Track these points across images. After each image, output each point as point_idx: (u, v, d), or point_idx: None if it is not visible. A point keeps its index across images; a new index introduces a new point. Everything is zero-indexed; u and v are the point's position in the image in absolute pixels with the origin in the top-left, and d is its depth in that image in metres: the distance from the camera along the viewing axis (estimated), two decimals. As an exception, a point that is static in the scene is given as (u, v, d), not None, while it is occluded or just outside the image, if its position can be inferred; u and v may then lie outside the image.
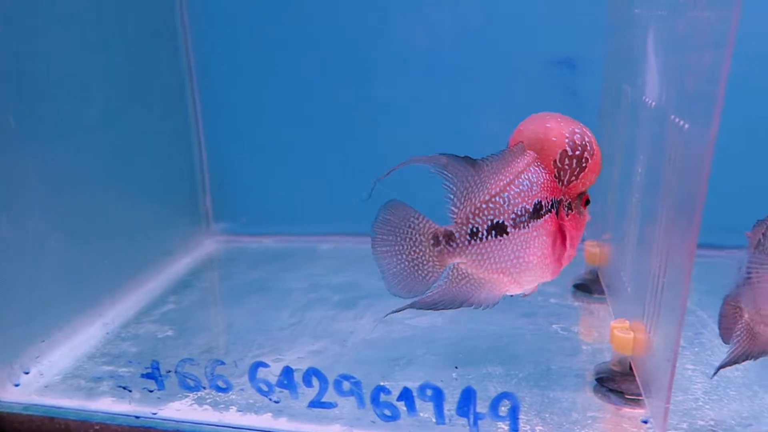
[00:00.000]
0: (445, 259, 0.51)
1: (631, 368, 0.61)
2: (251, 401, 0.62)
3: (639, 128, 0.64)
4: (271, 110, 1.05)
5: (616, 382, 0.61)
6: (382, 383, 0.62)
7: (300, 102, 1.03)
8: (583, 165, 0.51)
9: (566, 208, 0.53)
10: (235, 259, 1.02)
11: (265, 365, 0.58)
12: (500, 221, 0.50)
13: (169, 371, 0.62)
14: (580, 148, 0.51)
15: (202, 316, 0.82)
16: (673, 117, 0.51)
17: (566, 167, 0.51)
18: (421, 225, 0.50)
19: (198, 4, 1.01)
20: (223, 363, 0.61)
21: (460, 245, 0.50)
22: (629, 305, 0.64)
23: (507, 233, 0.50)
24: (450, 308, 0.53)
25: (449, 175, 0.50)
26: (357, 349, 0.72)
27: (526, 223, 0.51)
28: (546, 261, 0.53)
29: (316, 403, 0.57)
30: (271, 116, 1.05)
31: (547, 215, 0.51)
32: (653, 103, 0.59)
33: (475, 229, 0.50)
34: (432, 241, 0.51)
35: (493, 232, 0.50)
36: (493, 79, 0.96)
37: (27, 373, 0.67)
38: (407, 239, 0.51)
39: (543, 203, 0.51)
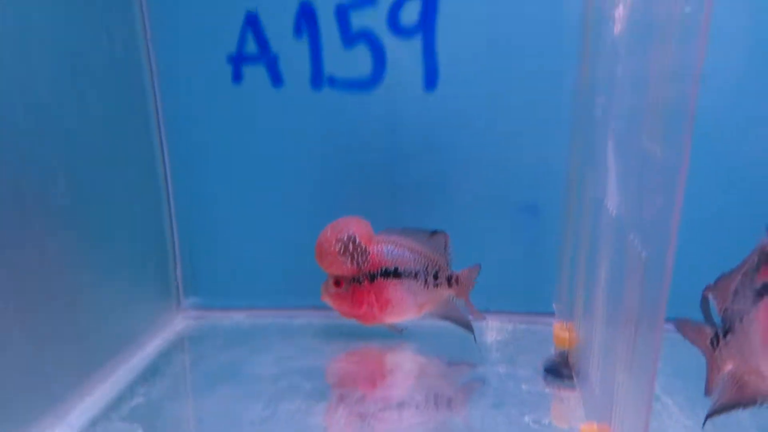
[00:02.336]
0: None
1: (600, 474, 0.62)
2: None
3: (600, 229, 0.67)
4: (244, 180, 1.05)
5: (587, 488, 0.61)
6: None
7: (275, 172, 1.04)
8: None
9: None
10: (205, 337, 1.00)
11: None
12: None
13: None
14: None
15: (173, 410, 0.80)
16: (632, 238, 0.54)
17: None
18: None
19: (168, 70, 1.00)
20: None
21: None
22: (597, 406, 0.65)
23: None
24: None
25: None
26: (330, 446, 0.71)
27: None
28: None
29: None
30: (244, 186, 1.05)
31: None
32: (614, 212, 0.62)
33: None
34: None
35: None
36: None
37: (-16, 489, 0.65)
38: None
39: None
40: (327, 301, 0.91)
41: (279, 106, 1.00)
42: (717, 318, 0.58)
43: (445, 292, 0.93)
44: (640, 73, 0.54)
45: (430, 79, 0.96)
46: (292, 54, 0.97)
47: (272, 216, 1.06)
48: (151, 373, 0.88)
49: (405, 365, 0.91)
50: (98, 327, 0.84)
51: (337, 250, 0.87)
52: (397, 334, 0.94)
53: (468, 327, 0.93)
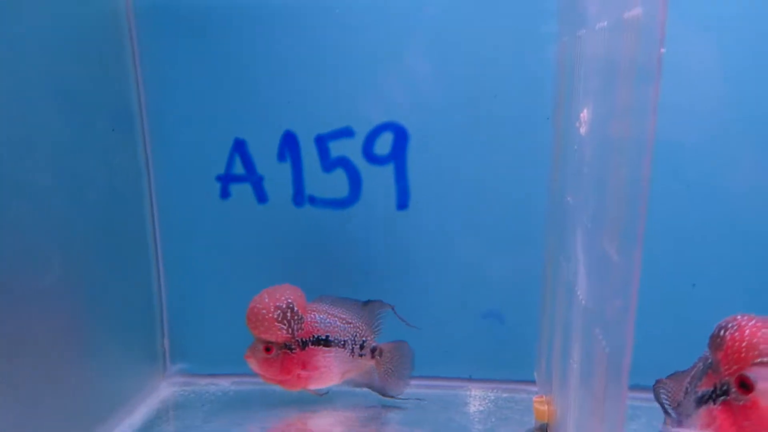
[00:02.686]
0: None
1: None
2: None
3: (572, 313, 0.70)
4: (233, 246, 1.08)
5: None
6: None
7: (256, 268, 1.08)
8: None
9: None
10: (190, 407, 1.01)
11: None
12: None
13: None
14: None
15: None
16: (597, 332, 0.57)
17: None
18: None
19: (165, 184, 1.06)
20: None
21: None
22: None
23: None
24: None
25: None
26: None
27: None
28: None
29: None
30: (233, 252, 1.08)
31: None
32: (583, 301, 0.65)
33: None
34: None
35: None
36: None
37: None
38: None
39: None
40: (252, 364, 0.91)
41: (263, 219, 1.08)
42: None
43: (368, 363, 0.97)
44: (601, 177, 0.59)
45: (402, 199, 1.05)
46: (276, 175, 1.06)
47: (261, 280, 1.09)
48: (135, 443, 0.89)
49: (388, 436, 0.92)
50: (83, 395, 0.85)
51: (275, 317, 0.88)
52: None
53: (386, 394, 0.99)
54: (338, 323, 0.94)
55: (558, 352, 0.82)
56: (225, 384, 1.08)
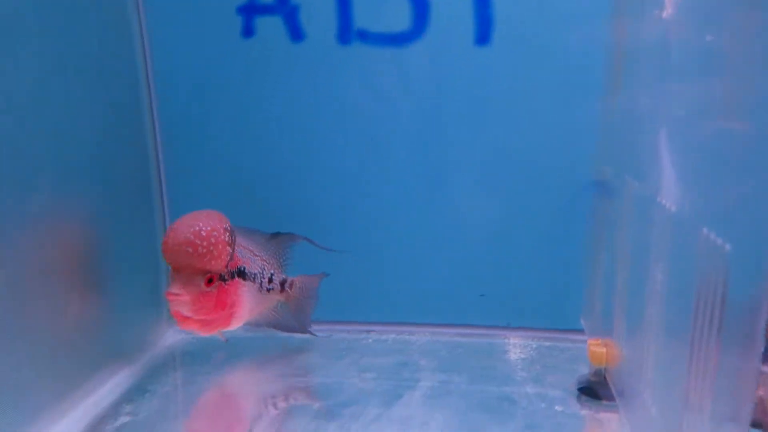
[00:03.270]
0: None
1: (662, 507, 0.53)
2: None
3: (653, 231, 0.60)
4: (241, 193, 0.97)
5: None
6: None
7: (274, 189, 0.97)
8: None
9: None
10: (199, 354, 0.91)
11: None
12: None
13: None
14: None
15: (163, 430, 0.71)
16: (706, 232, 0.47)
17: None
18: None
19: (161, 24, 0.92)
20: None
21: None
22: (654, 427, 0.57)
23: None
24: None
25: None
26: (343, 475, 0.62)
27: None
28: None
29: None
30: (241, 198, 0.98)
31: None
32: (673, 208, 0.55)
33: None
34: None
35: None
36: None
37: None
38: None
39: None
40: (182, 304, 0.73)
41: (298, 63, 0.88)
42: None
43: (275, 297, 0.86)
44: (709, 49, 0.48)
45: (483, 30, 0.84)
46: (315, 3, 0.85)
47: (268, 227, 0.99)
48: (139, 392, 0.79)
49: (423, 382, 0.82)
50: (76, 344, 0.75)
51: (226, 239, 0.74)
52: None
53: (301, 330, 0.89)
54: (249, 255, 0.82)
55: (623, 286, 0.71)
56: (238, 330, 0.98)
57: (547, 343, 0.94)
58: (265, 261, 0.85)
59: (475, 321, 0.98)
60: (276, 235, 0.86)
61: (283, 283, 0.86)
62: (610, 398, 0.74)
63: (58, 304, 0.72)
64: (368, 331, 0.98)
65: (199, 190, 0.98)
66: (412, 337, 0.97)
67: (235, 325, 0.82)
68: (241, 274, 0.79)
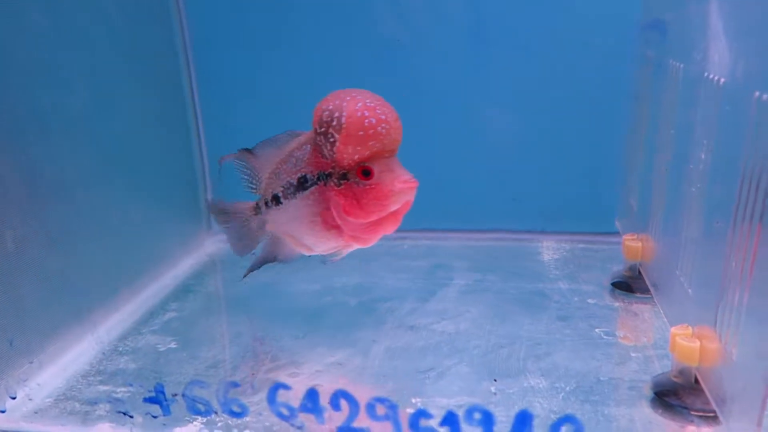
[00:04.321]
0: (262, 223, 0.67)
1: (696, 380, 0.54)
2: (270, 426, 0.55)
3: (699, 110, 0.57)
4: (274, 101, 0.97)
5: (679, 396, 0.54)
6: (413, 400, 0.56)
7: (303, 95, 0.95)
8: (331, 139, 0.56)
9: (338, 180, 0.58)
10: (239, 260, 0.94)
11: (285, 387, 0.51)
12: (276, 193, 0.64)
13: (175, 394, 0.55)
14: (325, 124, 0.56)
15: (207, 326, 0.75)
16: (759, 94, 0.44)
17: (321, 143, 0.58)
18: (242, 205, 0.69)
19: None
20: (237, 385, 0.54)
21: (262, 212, 0.67)
22: (691, 309, 0.57)
23: (281, 203, 0.64)
24: (270, 262, 0.70)
25: (241, 163, 0.66)
26: (381, 359, 0.65)
27: (293, 195, 0.62)
28: (317, 227, 0.61)
29: (345, 429, 0.50)
30: (274, 108, 0.97)
31: (313, 187, 0.60)
32: (722, 80, 0.52)
33: (265, 200, 0.65)
34: (252, 211, 0.68)
35: (273, 202, 0.64)
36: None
37: (14, 398, 0.60)
38: (238, 216, 0.70)
39: (308, 176, 0.60)
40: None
41: (311, 31, 0.90)
42: None
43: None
44: None
45: None
46: None
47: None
48: (183, 291, 0.83)
49: (457, 281, 0.83)
50: (124, 247, 0.78)
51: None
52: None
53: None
54: None
55: (662, 181, 0.70)
56: (274, 241, 1.00)
57: (581, 245, 0.94)
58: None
59: (508, 226, 0.97)
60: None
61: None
62: (645, 291, 0.74)
63: (104, 205, 0.74)
64: (402, 239, 0.99)
65: (231, 99, 0.98)
66: (445, 243, 0.97)
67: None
68: None
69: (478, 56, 0.91)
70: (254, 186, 0.67)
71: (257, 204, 0.67)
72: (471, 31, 0.91)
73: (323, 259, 0.67)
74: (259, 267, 0.71)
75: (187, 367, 0.64)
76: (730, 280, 0.48)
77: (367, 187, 0.56)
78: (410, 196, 0.58)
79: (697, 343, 0.53)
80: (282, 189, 0.62)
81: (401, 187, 0.56)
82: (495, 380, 0.60)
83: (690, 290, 0.58)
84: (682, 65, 0.64)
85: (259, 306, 0.78)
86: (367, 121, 0.54)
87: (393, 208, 0.57)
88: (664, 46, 0.73)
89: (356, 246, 0.64)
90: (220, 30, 0.95)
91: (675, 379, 0.55)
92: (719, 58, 0.53)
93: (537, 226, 0.97)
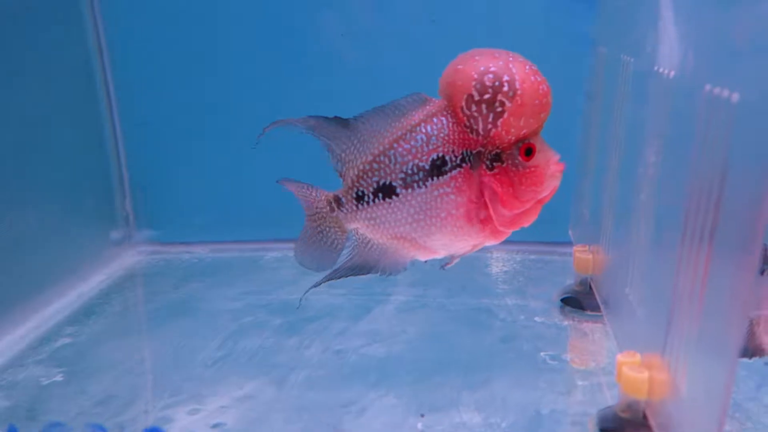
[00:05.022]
0: (342, 225, 0.50)
1: (645, 416, 0.47)
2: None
3: (649, 107, 0.51)
4: (203, 93, 0.88)
5: (627, 433, 0.47)
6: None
7: (228, 95, 0.88)
8: (499, 109, 0.44)
9: (490, 161, 0.46)
10: (159, 274, 0.85)
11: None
12: (387, 182, 0.47)
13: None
14: (491, 90, 0.43)
15: (106, 352, 0.65)
16: (709, 87, 0.38)
17: (476, 114, 0.44)
18: (313, 194, 0.50)
19: None
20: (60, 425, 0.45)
21: (349, 210, 0.48)
22: (640, 333, 0.51)
23: (396, 195, 0.47)
24: (360, 275, 0.51)
25: (323, 138, 0.48)
26: (298, 390, 0.57)
27: (422, 182, 0.46)
28: (459, 223, 0.47)
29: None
30: (203, 100, 0.88)
31: (455, 171, 0.46)
32: (671, 73, 0.46)
33: (360, 193, 0.48)
34: (327, 208, 0.49)
35: (380, 194, 0.47)
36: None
37: None
38: (307, 211, 0.51)
39: (448, 158, 0.46)
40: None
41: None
42: None
43: None
44: None
45: None
46: None
47: (238, 134, 0.90)
48: (84, 313, 0.73)
49: (396, 296, 0.76)
50: (18, 262, 0.69)
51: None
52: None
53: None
54: None
55: (613, 186, 0.63)
56: (201, 252, 0.92)
57: (533, 256, 0.88)
58: None
59: (456, 235, 0.90)
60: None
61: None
62: (596, 308, 0.68)
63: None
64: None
65: (155, 93, 0.89)
66: (387, 253, 0.90)
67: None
68: None
69: (424, 57, 0.84)
70: (340, 173, 0.49)
71: (336, 197, 0.49)
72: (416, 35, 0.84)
73: (442, 264, 0.54)
74: (340, 278, 0.52)
75: (70, 405, 0.55)
76: (679, 303, 0.41)
77: (527, 169, 0.45)
78: (559, 181, 0.46)
79: (646, 374, 0.46)
80: (402, 176, 0.46)
81: (555, 170, 0.45)
82: (422, 415, 0.53)
83: (639, 311, 0.51)
84: (632, 59, 0.58)
85: (169, 328, 0.69)
86: (541, 88, 0.43)
87: (543, 194, 0.47)
88: (617, 40, 0.66)
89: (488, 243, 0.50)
90: (137, 27, 0.86)
91: (622, 414, 0.49)
92: (669, 49, 0.47)
93: (487, 235, 0.90)
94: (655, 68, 0.49)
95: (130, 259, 0.89)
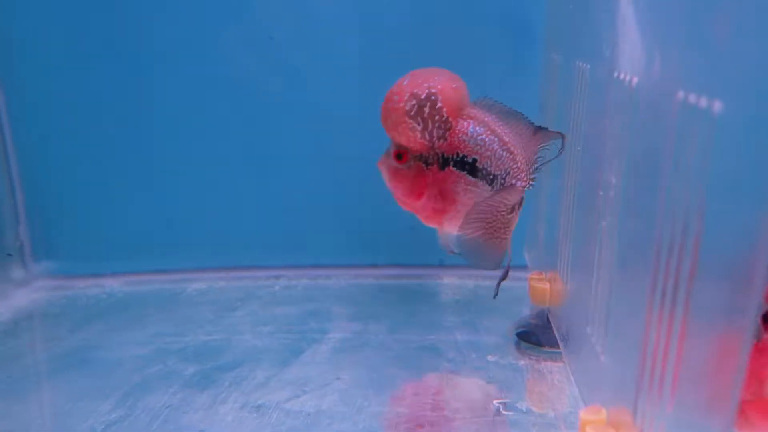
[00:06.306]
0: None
1: (614, 487, 0.40)
2: None
3: (608, 120, 0.44)
4: (110, 97, 0.77)
5: None
6: None
7: (159, 89, 0.77)
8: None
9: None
10: (57, 314, 0.73)
11: None
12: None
13: None
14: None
15: (-28, 418, 0.53)
16: (682, 95, 0.31)
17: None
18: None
19: None
20: None
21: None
22: (606, 383, 0.43)
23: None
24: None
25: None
26: (204, 464, 0.47)
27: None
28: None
29: None
30: (111, 108, 0.78)
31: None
32: (634, 80, 0.39)
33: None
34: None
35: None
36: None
37: None
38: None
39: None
40: (383, 173, 0.61)
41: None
42: None
43: (512, 220, 0.59)
44: None
45: None
46: None
47: (153, 150, 0.79)
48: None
49: (332, 334, 0.67)
50: None
51: (407, 109, 0.56)
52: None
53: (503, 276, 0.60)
54: (496, 147, 0.57)
55: (570, 207, 0.56)
56: (113, 285, 0.80)
57: (487, 282, 0.80)
58: (520, 165, 0.57)
59: (404, 260, 0.82)
60: (540, 129, 0.58)
61: (521, 202, 0.59)
62: (554, 344, 0.60)
63: None
64: (277, 277, 0.82)
65: (53, 108, 0.77)
66: (327, 282, 0.81)
67: (449, 228, 0.61)
68: (467, 166, 0.57)
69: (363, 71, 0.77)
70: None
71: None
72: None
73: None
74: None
75: None
76: (651, 356, 0.34)
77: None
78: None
79: (614, 437, 0.39)
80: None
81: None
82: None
83: (603, 357, 0.44)
84: (588, 66, 0.51)
85: (57, 384, 0.58)
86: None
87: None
88: (570, 45, 0.60)
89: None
90: (28, 33, 0.75)
91: (587, 482, 0.41)
92: (630, 51, 0.40)
93: (435, 260, 0.83)
94: (615, 74, 0.43)
95: (23, 297, 0.77)
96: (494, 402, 0.53)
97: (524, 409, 0.52)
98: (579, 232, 0.53)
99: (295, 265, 0.83)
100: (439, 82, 0.57)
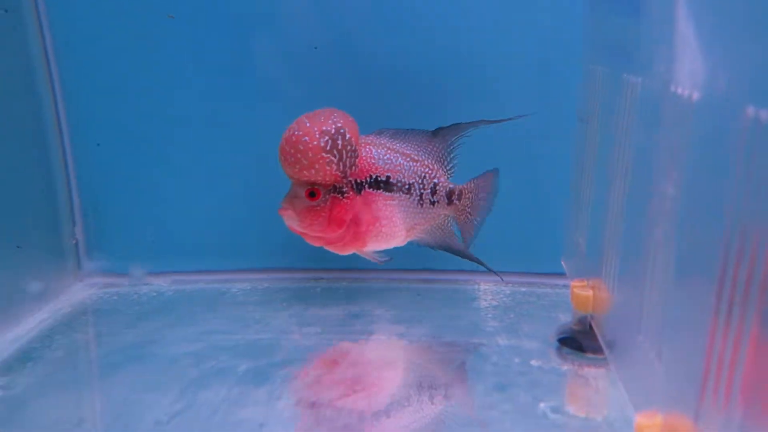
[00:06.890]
0: None
1: (669, 487, 0.41)
2: None
3: (665, 133, 0.46)
4: (162, 109, 0.80)
5: None
6: None
7: (208, 99, 0.80)
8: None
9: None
10: (111, 311, 0.76)
11: None
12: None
13: None
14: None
15: (42, 407, 0.56)
16: (752, 110, 0.32)
17: None
18: None
19: None
20: None
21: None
22: (661, 390, 0.44)
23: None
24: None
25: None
26: (268, 454, 0.49)
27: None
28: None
29: None
30: (162, 117, 0.80)
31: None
32: (695, 95, 0.40)
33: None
34: None
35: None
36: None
37: None
38: None
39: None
40: (290, 219, 0.65)
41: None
42: None
43: (442, 212, 0.71)
44: None
45: None
46: None
47: (204, 153, 0.82)
48: (20, 360, 0.63)
49: (376, 335, 0.69)
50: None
51: (321, 145, 0.61)
52: (380, 265, 0.72)
53: (469, 257, 0.74)
54: (401, 161, 0.67)
55: (617, 217, 0.58)
56: (161, 284, 0.83)
57: (524, 289, 0.82)
58: (427, 167, 0.68)
59: (440, 265, 0.84)
60: (439, 131, 0.69)
61: (450, 195, 0.70)
62: (597, 350, 0.61)
63: None
64: (317, 279, 0.84)
65: (109, 108, 0.80)
66: (366, 285, 0.83)
67: (379, 246, 0.69)
68: (381, 184, 0.66)
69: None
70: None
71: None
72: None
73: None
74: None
75: (-11, 478, 0.46)
76: (716, 364, 0.35)
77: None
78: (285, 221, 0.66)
79: (671, 440, 0.40)
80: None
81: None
82: None
83: (657, 364, 0.45)
84: (639, 79, 0.53)
85: (119, 378, 0.60)
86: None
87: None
88: (614, 58, 0.62)
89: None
90: (88, 32, 0.78)
91: (642, 485, 0.42)
92: (690, 68, 0.42)
93: (473, 265, 0.84)
94: (672, 89, 0.44)
95: (80, 293, 0.80)
96: (541, 404, 0.55)
97: (570, 411, 0.54)
98: (628, 242, 0.54)
99: (334, 268, 0.85)
100: (339, 117, 0.63)
